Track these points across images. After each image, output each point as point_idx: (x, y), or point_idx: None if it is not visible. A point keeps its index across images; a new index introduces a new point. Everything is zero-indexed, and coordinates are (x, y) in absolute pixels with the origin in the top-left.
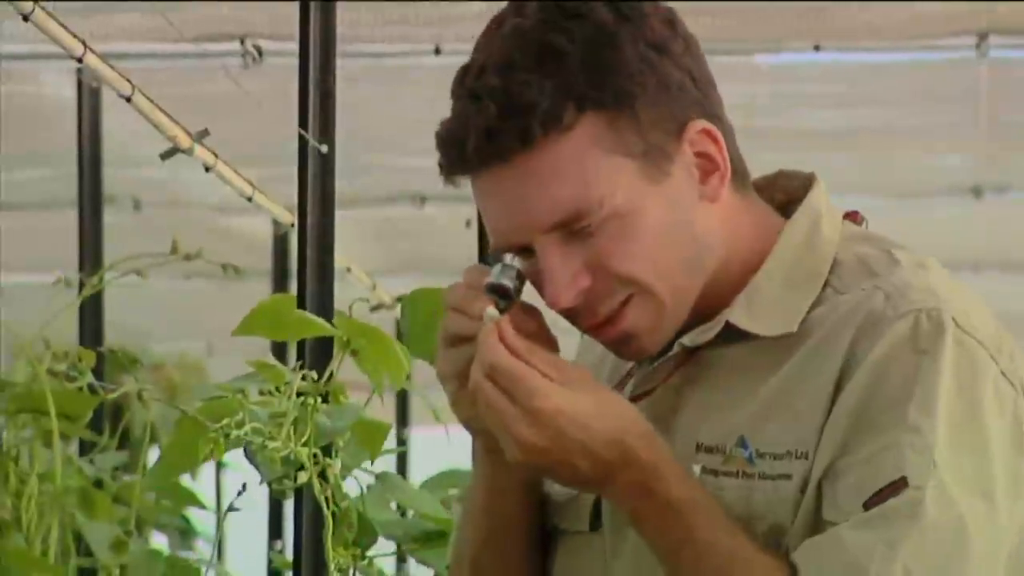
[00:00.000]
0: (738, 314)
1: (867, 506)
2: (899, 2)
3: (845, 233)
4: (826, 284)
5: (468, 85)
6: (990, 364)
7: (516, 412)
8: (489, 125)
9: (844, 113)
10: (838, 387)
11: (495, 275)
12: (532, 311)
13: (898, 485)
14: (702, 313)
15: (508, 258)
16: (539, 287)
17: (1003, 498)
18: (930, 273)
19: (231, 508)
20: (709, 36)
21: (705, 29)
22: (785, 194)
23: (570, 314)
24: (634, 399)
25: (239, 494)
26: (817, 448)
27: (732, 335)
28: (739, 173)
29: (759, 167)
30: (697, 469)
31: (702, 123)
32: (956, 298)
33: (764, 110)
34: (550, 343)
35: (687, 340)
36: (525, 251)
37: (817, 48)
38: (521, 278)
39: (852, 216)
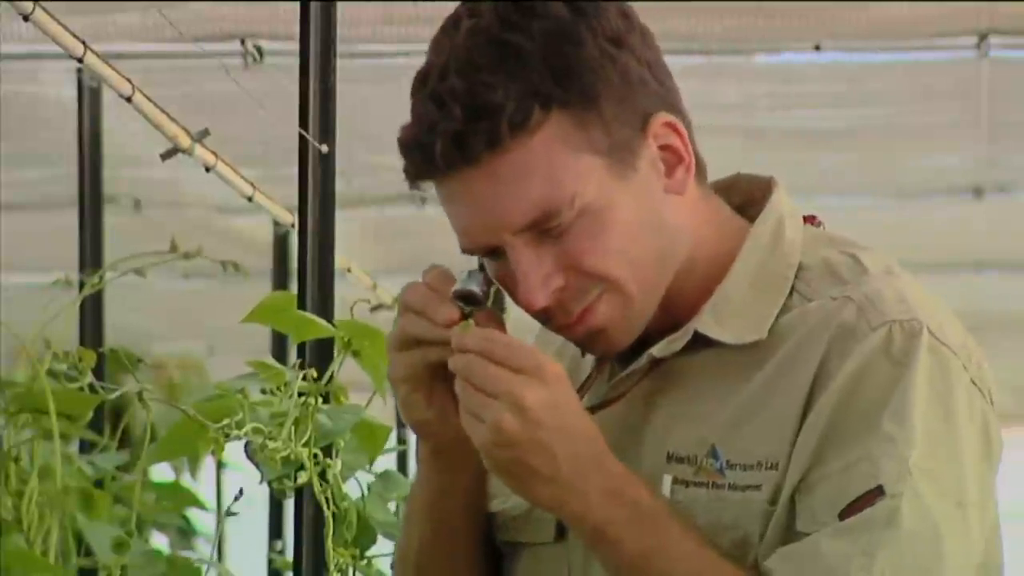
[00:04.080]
0: (706, 322)
1: (843, 516)
2: (899, 2)
3: (808, 236)
4: (793, 290)
5: (430, 88)
6: (962, 373)
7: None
8: (456, 129)
9: (844, 113)
10: (810, 399)
11: (463, 281)
12: (494, 316)
13: (874, 494)
14: (669, 320)
15: (475, 264)
16: (509, 289)
17: (973, 507)
18: (899, 279)
19: (229, 512)
20: (709, 36)
21: (705, 29)
22: (742, 197)
23: (543, 314)
24: (597, 408)
25: (236, 499)
26: (789, 460)
27: (700, 343)
28: (700, 168)
29: (759, 167)
30: (668, 480)
31: (665, 116)
32: (927, 306)
33: (764, 110)
34: None
35: (656, 351)
36: (493, 253)
37: (817, 48)
38: (489, 283)
39: (810, 219)
